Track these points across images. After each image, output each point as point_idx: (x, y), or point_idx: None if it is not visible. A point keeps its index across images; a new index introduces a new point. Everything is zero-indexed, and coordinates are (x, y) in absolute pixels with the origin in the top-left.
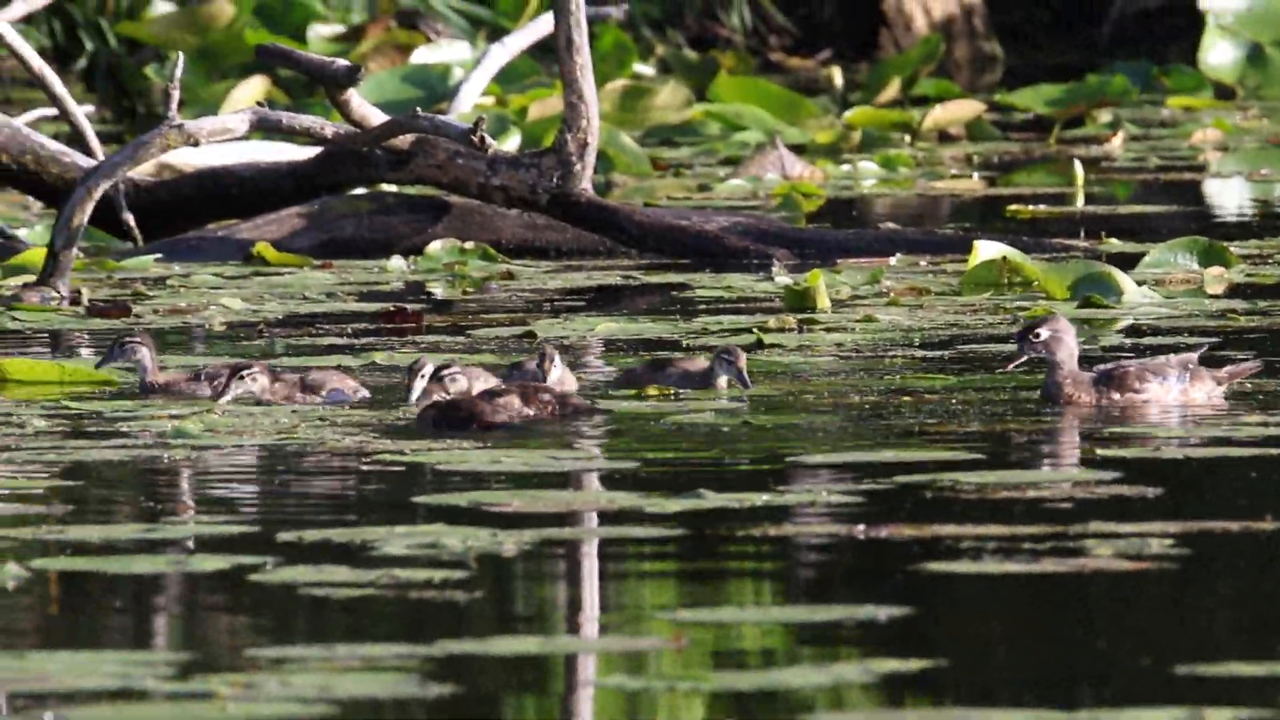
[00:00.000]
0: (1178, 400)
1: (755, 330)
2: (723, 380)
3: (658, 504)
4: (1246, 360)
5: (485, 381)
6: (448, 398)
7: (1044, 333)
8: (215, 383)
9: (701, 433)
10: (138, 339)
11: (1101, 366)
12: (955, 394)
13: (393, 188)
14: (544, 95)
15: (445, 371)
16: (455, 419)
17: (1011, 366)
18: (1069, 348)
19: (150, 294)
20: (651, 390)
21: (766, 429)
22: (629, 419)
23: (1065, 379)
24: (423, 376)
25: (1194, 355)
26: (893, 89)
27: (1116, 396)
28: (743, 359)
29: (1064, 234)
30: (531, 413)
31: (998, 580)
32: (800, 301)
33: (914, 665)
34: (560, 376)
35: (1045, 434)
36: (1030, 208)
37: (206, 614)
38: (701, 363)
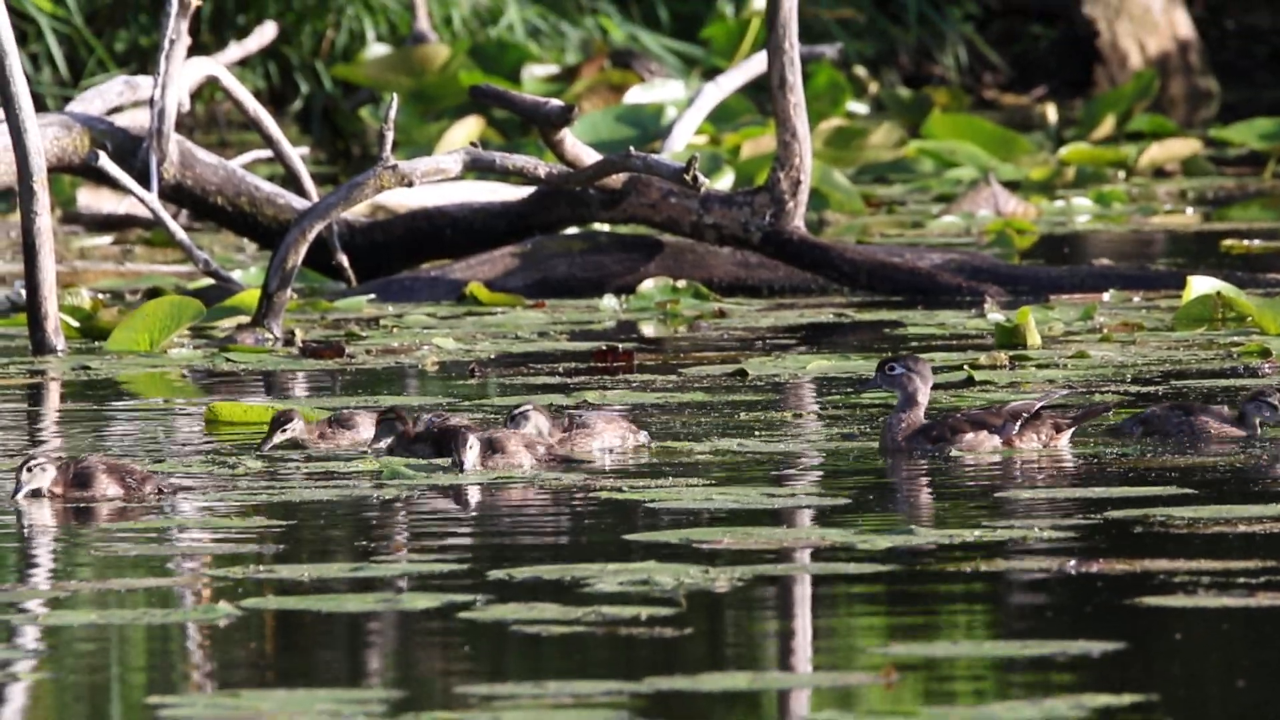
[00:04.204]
0: (998, 448)
1: (966, 367)
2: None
3: (869, 540)
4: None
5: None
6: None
7: (898, 367)
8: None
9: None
10: (292, 414)
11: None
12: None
13: (605, 227)
14: (757, 134)
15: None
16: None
17: (858, 389)
18: (919, 390)
19: (364, 334)
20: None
21: (972, 466)
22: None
23: (901, 423)
24: (471, 448)
25: (1034, 403)
26: (1107, 125)
27: (929, 446)
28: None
29: None
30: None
31: (1211, 615)
32: (1011, 338)
33: (1126, 700)
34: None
35: (1255, 468)
36: (1245, 243)
37: (418, 651)
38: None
